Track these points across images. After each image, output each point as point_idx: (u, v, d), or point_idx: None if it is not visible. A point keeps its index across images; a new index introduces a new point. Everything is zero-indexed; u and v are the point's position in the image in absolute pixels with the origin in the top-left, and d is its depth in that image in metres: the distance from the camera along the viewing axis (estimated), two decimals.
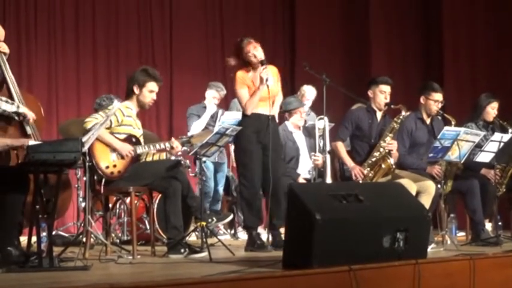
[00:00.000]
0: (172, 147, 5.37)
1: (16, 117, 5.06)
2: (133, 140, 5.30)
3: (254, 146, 5.67)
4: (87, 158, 4.96)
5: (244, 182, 5.72)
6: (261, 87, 5.61)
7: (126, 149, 5.21)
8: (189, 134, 5.95)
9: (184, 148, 5.71)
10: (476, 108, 6.73)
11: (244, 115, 5.77)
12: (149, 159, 5.43)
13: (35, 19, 8.96)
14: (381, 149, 5.94)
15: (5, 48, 5.25)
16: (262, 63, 5.64)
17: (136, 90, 5.36)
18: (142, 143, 5.36)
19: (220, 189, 7.97)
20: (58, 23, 9.12)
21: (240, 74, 5.74)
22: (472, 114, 6.73)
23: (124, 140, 5.25)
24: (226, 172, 8.08)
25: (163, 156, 5.51)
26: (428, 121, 6.39)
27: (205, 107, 8.01)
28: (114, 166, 5.18)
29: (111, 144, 5.18)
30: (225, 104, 8.47)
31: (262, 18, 10.66)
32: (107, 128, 5.19)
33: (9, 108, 5.00)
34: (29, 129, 5.14)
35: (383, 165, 5.92)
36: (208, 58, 10.23)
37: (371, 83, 6.15)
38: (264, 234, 6.81)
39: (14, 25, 8.71)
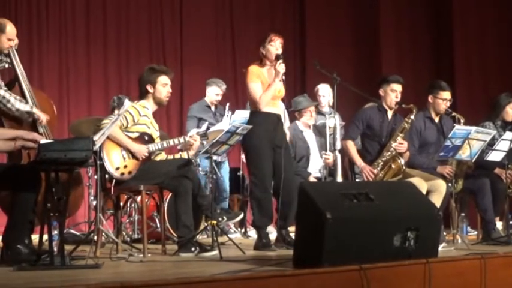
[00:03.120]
0: (190, 144, 5.37)
1: (28, 118, 5.08)
2: (146, 138, 5.31)
3: (265, 145, 5.61)
4: (98, 157, 4.98)
5: (256, 181, 5.66)
6: (276, 81, 5.57)
7: (142, 152, 5.22)
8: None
9: (203, 141, 5.66)
10: (495, 107, 6.67)
11: (253, 113, 5.69)
12: (161, 157, 5.43)
13: (47, 20, 9.01)
14: (392, 149, 5.93)
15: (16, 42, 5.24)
16: (277, 57, 5.58)
17: (150, 89, 5.38)
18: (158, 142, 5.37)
19: (227, 187, 7.92)
20: (69, 23, 9.16)
21: (254, 68, 5.66)
22: (491, 113, 6.69)
23: (137, 139, 5.27)
24: (227, 170, 8.02)
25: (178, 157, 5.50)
26: (437, 120, 6.37)
27: (207, 106, 7.97)
28: (125, 167, 5.19)
29: (127, 147, 5.20)
30: (235, 103, 8.47)
31: (272, 18, 10.66)
32: (124, 128, 5.21)
33: (23, 107, 5.03)
34: (40, 128, 5.16)
35: (393, 166, 5.91)
36: (219, 57, 10.25)
37: (382, 81, 6.13)
38: (274, 233, 6.81)
39: (26, 26, 8.76)
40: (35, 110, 5.10)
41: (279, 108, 5.71)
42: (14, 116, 5.02)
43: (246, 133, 5.62)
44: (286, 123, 5.88)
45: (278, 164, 5.61)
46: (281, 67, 5.55)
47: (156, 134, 5.43)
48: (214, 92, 8.00)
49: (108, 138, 5.01)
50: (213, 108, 7.98)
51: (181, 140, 5.41)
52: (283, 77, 5.56)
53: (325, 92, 7.81)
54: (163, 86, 5.40)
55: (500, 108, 6.63)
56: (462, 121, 6.20)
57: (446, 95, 6.32)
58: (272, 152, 5.62)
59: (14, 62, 5.22)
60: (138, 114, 5.28)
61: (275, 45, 5.62)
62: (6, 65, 5.18)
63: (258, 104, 5.60)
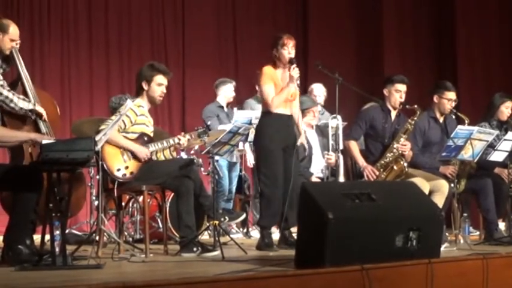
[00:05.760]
0: (179, 143, 5.37)
1: (32, 116, 5.09)
2: (146, 138, 5.31)
3: (276, 145, 5.57)
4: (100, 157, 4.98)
5: (266, 181, 5.60)
6: (291, 85, 5.55)
7: (144, 152, 5.21)
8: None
9: (203, 139, 5.64)
10: (490, 107, 6.70)
11: (264, 113, 5.68)
12: (160, 156, 5.43)
13: (48, 20, 9.02)
14: (394, 150, 5.92)
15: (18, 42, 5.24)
16: (291, 61, 5.58)
17: (145, 86, 5.37)
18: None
19: (233, 188, 7.96)
20: (71, 23, 9.18)
21: (268, 70, 5.64)
22: (486, 114, 6.71)
23: (136, 139, 5.26)
24: (238, 172, 8.07)
25: (175, 153, 5.50)
26: (441, 120, 6.36)
27: (220, 106, 7.97)
28: (126, 168, 5.18)
29: (129, 148, 5.19)
30: (237, 104, 8.47)
31: (274, 20, 10.65)
32: (122, 130, 5.20)
33: (26, 106, 5.04)
34: (43, 128, 5.17)
35: (395, 167, 5.89)
36: (221, 59, 10.26)
37: (387, 81, 6.11)
38: (276, 233, 6.80)
39: (28, 26, 8.76)
40: (38, 107, 5.12)
41: (290, 110, 5.71)
42: (17, 116, 5.03)
43: (257, 133, 5.63)
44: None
45: (288, 165, 5.60)
46: (295, 72, 5.54)
47: (150, 129, 5.40)
48: (230, 89, 8.01)
49: (107, 142, 5.01)
50: (225, 109, 7.98)
51: (176, 139, 5.39)
52: (298, 82, 5.56)
53: (320, 92, 7.82)
54: (158, 86, 5.37)
55: (494, 108, 6.65)
56: (466, 122, 6.19)
57: (452, 95, 6.32)
58: (283, 152, 5.60)
59: (17, 62, 5.23)
60: (134, 115, 5.28)
61: (288, 49, 5.64)
62: (6, 69, 5.20)
63: (270, 106, 5.58)
